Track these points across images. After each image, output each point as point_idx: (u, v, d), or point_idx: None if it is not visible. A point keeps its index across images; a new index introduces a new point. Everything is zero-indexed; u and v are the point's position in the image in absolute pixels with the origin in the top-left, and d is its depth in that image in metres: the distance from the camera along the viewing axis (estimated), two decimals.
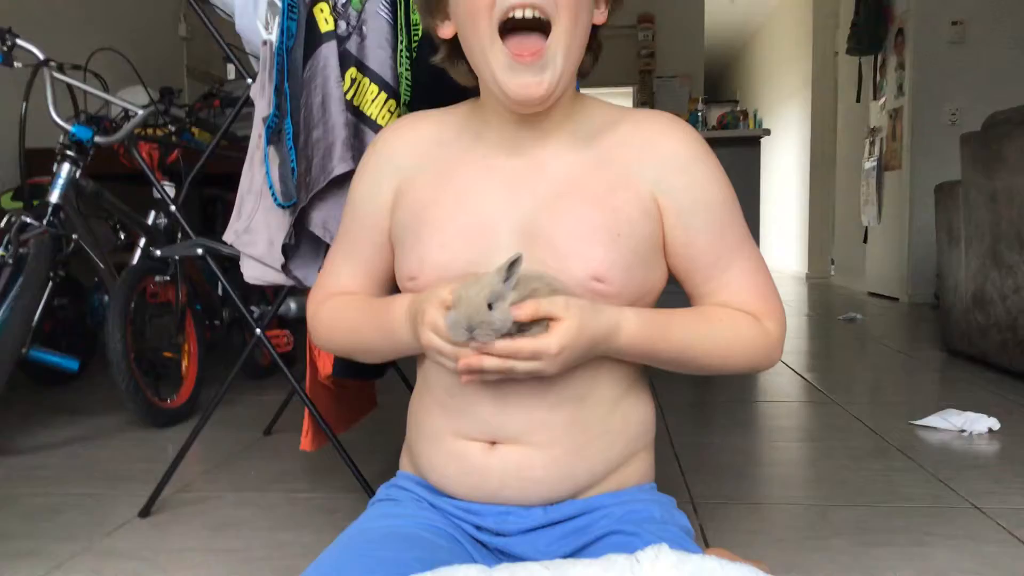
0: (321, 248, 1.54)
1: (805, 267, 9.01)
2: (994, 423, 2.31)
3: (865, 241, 6.73)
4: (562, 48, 0.95)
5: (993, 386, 2.94)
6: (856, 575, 1.39)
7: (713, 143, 4.79)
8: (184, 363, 2.74)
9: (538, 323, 0.89)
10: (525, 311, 0.87)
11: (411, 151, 1.09)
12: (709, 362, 1.02)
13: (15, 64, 2.29)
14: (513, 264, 0.88)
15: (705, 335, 1.01)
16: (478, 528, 1.03)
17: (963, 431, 2.29)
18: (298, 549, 1.54)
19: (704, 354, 1.01)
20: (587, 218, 0.97)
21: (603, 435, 1.01)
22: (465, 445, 1.00)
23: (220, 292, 3.06)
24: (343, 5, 1.49)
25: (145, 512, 1.75)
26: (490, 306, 0.86)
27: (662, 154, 1.01)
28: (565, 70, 0.96)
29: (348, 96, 1.47)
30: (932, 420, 2.37)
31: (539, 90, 0.95)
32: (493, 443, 0.99)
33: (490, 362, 0.88)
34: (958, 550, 1.48)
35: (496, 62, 0.95)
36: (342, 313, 1.11)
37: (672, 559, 0.73)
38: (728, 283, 1.03)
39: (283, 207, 1.51)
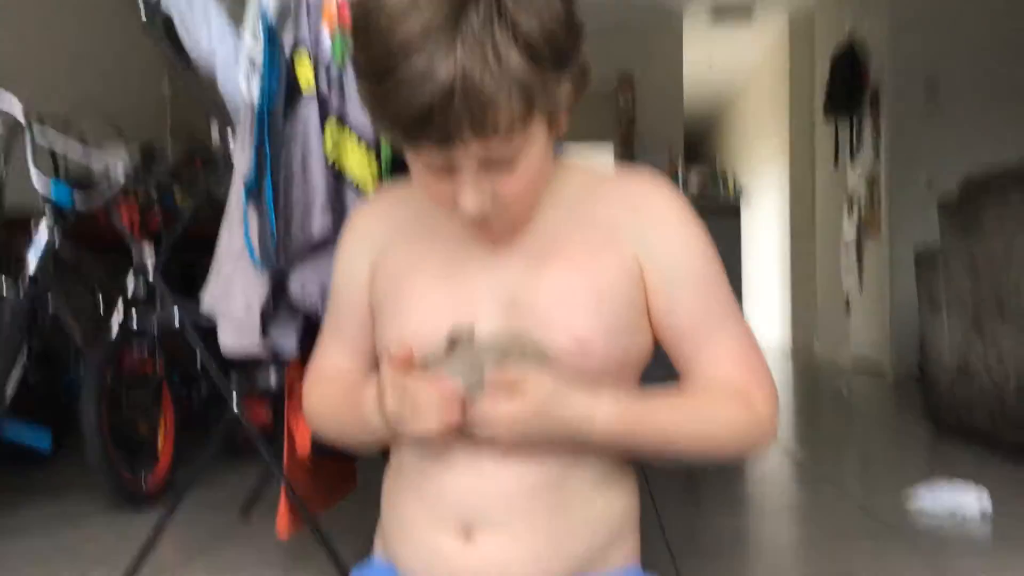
0: (299, 315, 1.51)
1: (789, 339, 9.01)
2: (987, 506, 2.23)
3: (848, 312, 6.75)
4: (521, 219, 0.97)
5: (983, 461, 2.91)
6: None
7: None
8: (160, 438, 2.67)
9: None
10: (499, 381, 0.87)
11: (386, 225, 1.08)
12: (694, 450, 0.99)
13: None
14: (455, 340, 0.88)
15: (689, 422, 0.97)
16: None
17: (954, 514, 2.23)
18: None
19: (688, 442, 0.98)
20: (569, 282, 0.95)
21: (586, 519, 0.97)
22: (438, 538, 0.95)
23: (199, 364, 3.00)
24: (324, 62, 1.49)
25: None
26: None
27: (646, 216, 0.99)
28: (526, 218, 0.98)
29: (330, 158, 1.46)
30: (923, 498, 2.31)
31: (493, 239, 0.97)
32: (468, 534, 0.94)
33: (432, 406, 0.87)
34: None
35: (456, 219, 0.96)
36: (326, 399, 1.09)
37: None
38: (716, 356, 1.00)
39: (262, 270, 1.48)
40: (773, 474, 2.80)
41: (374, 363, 1.11)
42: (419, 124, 0.82)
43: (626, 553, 1.02)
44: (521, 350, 0.90)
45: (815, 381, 5.59)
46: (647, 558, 1.05)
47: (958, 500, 2.27)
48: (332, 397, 1.08)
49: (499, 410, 0.87)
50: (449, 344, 0.89)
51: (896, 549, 1.95)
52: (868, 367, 6.26)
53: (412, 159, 0.91)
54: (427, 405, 0.87)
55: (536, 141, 0.89)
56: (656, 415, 0.96)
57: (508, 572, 0.94)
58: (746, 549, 1.99)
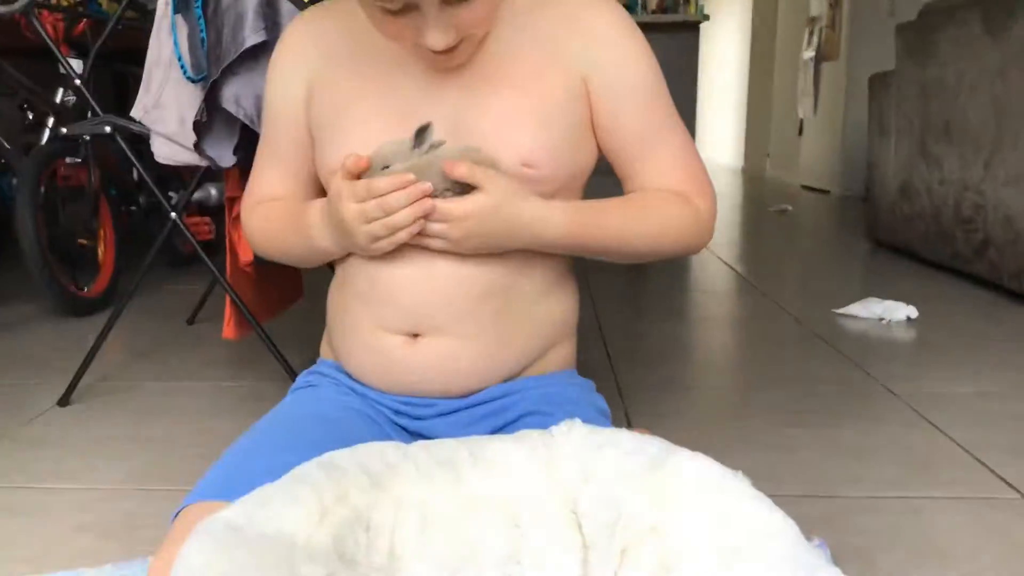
0: (235, 125, 1.47)
1: (741, 160, 9.07)
2: (912, 311, 2.38)
3: (800, 134, 6.77)
4: (480, 40, 0.95)
5: (916, 275, 3.03)
6: (771, 454, 1.43)
7: (652, 28, 4.69)
8: (100, 250, 2.65)
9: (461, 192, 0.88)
10: (459, 169, 0.87)
11: (323, 46, 1.04)
12: (642, 248, 1.02)
13: None
14: (422, 131, 0.87)
15: (636, 222, 1.00)
16: (396, 413, 1.02)
17: (882, 319, 2.36)
18: (222, 436, 1.52)
19: (636, 241, 1.00)
20: (514, 104, 0.95)
21: (528, 325, 1.00)
22: (386, 338, 0.98)
23: (135, 177, 2.93)
24: None
25: (64, 401, 1.70)
26: (386, 167, 0.86)
27: (589, 32, 0.99)
28: (483, 37, 0.96)
29: None
30: (853, 308, 2.43)
31: (457, 63, 0.95)
32: (415, 336, 0.97)
33: (401, 199, 0.87)
34: (868, 431, 1.54)
35: (412, 53, 0.94)
36: (268, 223, 1.09)
37: (583, 431, 0.73)
38: (657, 162, 1.02)
39: (193, 81, 1.43)
40: (713, 287, 2.88)
41: (312, 186, 1.10)
42: None
43: (564, 357, 1.08)
44: (474, 159, 0.89)
45: (763, 201, 5.67)
46: (589, 364, 1.10)
47: (886, 307, 2.38)
48: (274, 221, 1.07)
49: (460, 206, 0.88)
50: (415, 138, 0.88)
51: (825, 353, 2.04)
52: (816, 188, 6.37)
53: (367, 2, 0.86)
54: (396, 201, 0.87)
55: None
56: (606, 217, 0.98)
57: (451, 366, 0.97)
58: (681, 354, 2.07)
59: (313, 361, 1.14)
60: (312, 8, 1.09)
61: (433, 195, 0.88)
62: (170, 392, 1.79)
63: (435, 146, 0.89)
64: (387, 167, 0.89)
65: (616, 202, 1.00)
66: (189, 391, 1.79)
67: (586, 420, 0.78)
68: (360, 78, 1.00)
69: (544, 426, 0.81)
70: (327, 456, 0.75)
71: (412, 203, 0.87)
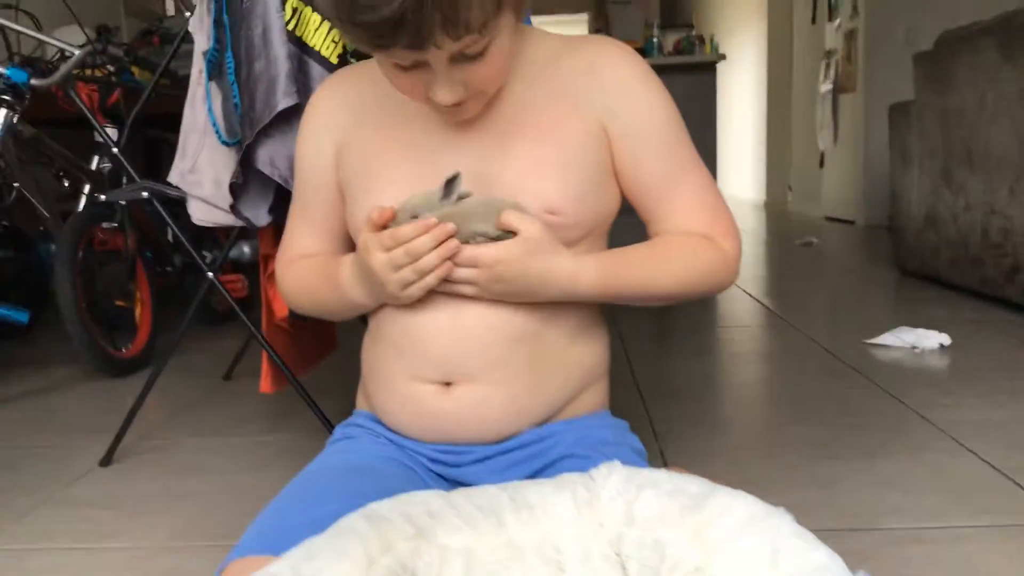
0: (270, 186, 1.51)
1: (763, 194, 9.06)
2: (945, 339, 2.36)
3: (821, 166, 6.77)
4: (491, 95, 0.96)
5: (945, 303, 3.00)
6: (809, 489, 1.42)
7: (669, 69, 4.75)
8: (137, 311, 2.70)
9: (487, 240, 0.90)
10: (509, 219, 0.90)
11: (350, 107, 1.07)
12: (670, 293, 1.02)
13: None
14: (451, 182, 0.89)
15: (664, 268, 1.01)
16: (432, 461, 1.03)
17: (915, 348, 2.34)
18: (261, 491, 1.54)
19: (665, 287, 1.01)
20: (536, 153, 0.97)
21: (560, 370, 1.01)
22: (419, 387, 0.99)
23: (171, 238, 3.00)
24: None
25: (106, 461, 1.73)
26: (415, 218, 0.88)
27: (606, 79, 1.01)
28: (494, 93, 0.97)
29: (290, 27, 1.43)
30: (885, 339, 2.42)
31: (466, 118, 0.97)
32: (448, 384, 0.98)
33: (427, 243, 0.90)
34: (908, 461, 1.53)
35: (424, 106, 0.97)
36: (302, 280, 1.11)
37: (624, 473, 0.73)
38: (680, 205, 1.03)
39: (228, 145, 1.47)
40: (742, 322, 2.87)
41: (344, 243, 1.13)
42: (390, 32, 0.80)
43: (597, 399, 1.08)
44: (502, 207, 0.91)
45: (787, 234, 5.66)
46: (620, 403, 1.11)
47: (918, 335, 2.36)
48: (306, 278, 1.11)
49: (489, 251, 0.90)
50: (444, 188, 0.90)
51: (859, 384, 2.03)
52: (840, 219, 6.35)
53: (381, 60, 0.90)
54: (423, 245, 0.89)
55: (505, 27, 0.88)
56: (634, 267, 1.00)
57: (484, 413, 0.98)
58: (713, 390, 2.07)
59: (349, 412, 1.15)
60: (339, 72, 1.13)
61: (464, 242, 0.90)
62: (209, 448, 1.81)
63: (463, 196, 0.91)
64: (415, 217, 0.91)
65: (642, 250, 1.02)
66: (228, 447, 1.81)
67: (623, 461, 0.78)
68: (386, 135, 1.03)
69: (581, 469, 0.81)
70: (371, 507, 0.76)
71: (438, 246, 0.89)
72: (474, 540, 0.73)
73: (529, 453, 1.02)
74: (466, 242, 0.90)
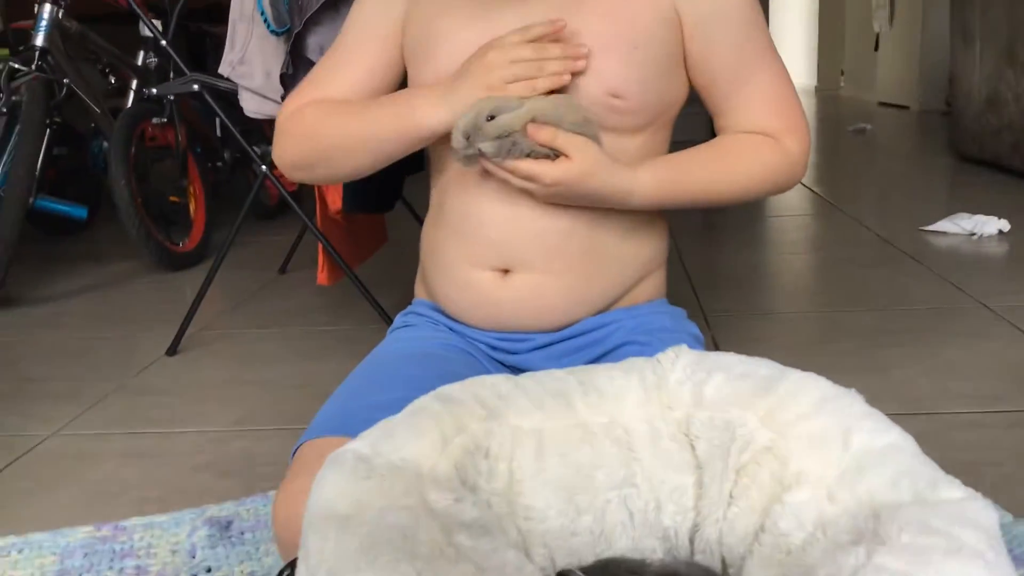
0: None
1: (814, 79, 8.77)
2: (1004, 225, 2.31)
3: (876, 48, 6.51)
4: None
5: (1004, 188, 2.92)
6: (865, 376, 1.43)
7: None
8: (192, 207, 2.74)
9: (548, 152, 0.88)
10: (542, 135, 0.87)
11: None
12: (731, 196, 1.01)
13: None
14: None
15: (724, 172, 0.99)
16: (492, 348, 1.05)
17: (973, 234, 2.29)
18: (324, 377, 1.59)
19: (725, 191, 1.00)
20: (602, 31, 0.93)
21: (617, 260, 1.01)
22: (478, 275, 1.00)
23: (219, 132, 3.01)
24: None
25: (172, 350, 1.79)
26: (491, 118, 0.85)
27: None
28: None
29: None
30: (942, 225, 2.37)
31: None
32: (506, 271, 0.99)
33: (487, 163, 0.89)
34: (967, 347, 1.52)
35: None
36: (333, 114, 1.02)
37: (692, 357, 0.74)
38: (748, 99, 1.00)
39: (277, 34, 1.45)
40: (792, 211, 2.83)
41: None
42: None
43: (655, 288, 1.08)
44: (580, 129, 0.89)
45: (839, 120, 5.50)
46: (672, 294, 1.10)
47: (976, 222, 2.31)
48: (336, 114, 1.02)
49: (550, 172, 0.88)
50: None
51: (915, 271, 2.00)
52: (895, 104, 6.14)
53: None
54: (553, 50, 0.89)
55: None
56: (693, 173, 0.98)
57: (541, 302, 0.99)
58: (763, 279, 2.06)
59: (404, 304, 1.17)
60: None
61: (525, 154, 0.88)
62: (270, 338, 1.86)
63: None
64: (492, 117, 0.88)
65: (702, 153, 0.99)
66: (288, 336, 1.86)
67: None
68: (451, 5, 1.00)
69: (642, 355, 0.82)
70: (442, 389, 0.78)
71: (567, 57, 0.89)
72: (544, 421, 0.74)
73: (589, 340, 1.03)
74: (528, 155, 0.88)
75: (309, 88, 1.06)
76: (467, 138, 0.87)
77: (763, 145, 1.00)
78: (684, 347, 0.77)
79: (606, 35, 0.93)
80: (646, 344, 0.99)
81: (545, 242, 0.97)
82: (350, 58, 1.06)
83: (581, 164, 0.89)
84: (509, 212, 0.96)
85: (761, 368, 0.72)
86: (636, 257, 1.03)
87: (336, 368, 1.62)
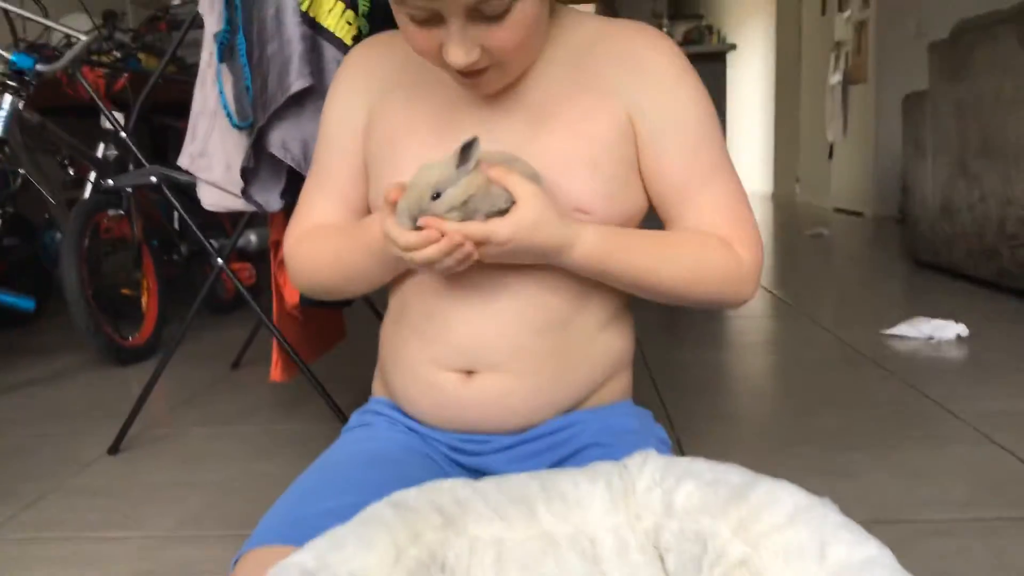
0: (282, 170, 1.48)
1: (771, 185, 9.03)
2: (963, 329, 2.33)
3: (831, 157, 6.73)
4: (513, 71, 0.93)
5: (960, 294, 2.97)
6: (833, 480, 1.40)
7: None
8: (144, 300, 2.68)
9: (500, 210, 0.85)
10: (496, 172, 0.85)
11: (382, 72, 1.04)
12: (674, 287, 0.97)
13: None
14: (467, 148, 0.83)
15: (670, 260, 0.95)
16: (452, 449, 1.01)
17: (931, 338, 2.31)
18: (273, 479, 1.52)
19: (668, 278, 0.96)
20: (565, 150, 0.93)
21: (587, 359, 0.98)
22: (442, 376, 0.96)
23: (177, 226, 2.97)
24: None
25: (114, 449, 1.71)
26: (437, 195, 0.82)
27: (641, 71, 0.97)
28: (519, 70, 0.94)
29: (303, 7, 1.39)
30: (901, 328, 2.39)
31: (491, 91, 0.94)
32: (470, 373, 0.95)
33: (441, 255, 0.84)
34: (933, 451, 1.50)
35: (444, 72, 0.93)
36: (324, 243, 1.04)
37: (660, 463, 0.71)
38: (699, 209, 0.98)
39: (239, 128, 1.44)
40: (752, 313, 2.85)
41: (363, 217, 1.08)
42: None
43: (621, 388, 1.05)
44: (520, 162, 0.88)
45: (796, 225, 5.63)
46: (635, 394, 1.08)
47: (935, 326, 2.34)
48: (330, 239, 1.04)
49: (502, 229, 0.84)
50: (460, 154, 0.84)
51: (876, 375, 2.00)
52: (849, 210, 6.31)
53: (396, 9, 0.87)
54: (436, 254, 0.84)
55: None
56: (636, 247, 0.94)
57: (507, 403, 0.95)
58: (727, 380, 2.04)
59: (361, 402, 1.12)
60: (371, 38, 1.09)
61: (484, 215, 0.85)
62: (218, 437, 1.79)
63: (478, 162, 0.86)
64: (438, 195, 0.85)
65: (653, 235, 0.97)
66: (237, 435, 1.79)
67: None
68: (414, 112, 0.99)
69: (606, 458, 0.78)
70: (396, 495, 0.74)
71: (453, 254, 0.85)
72: (505, 531, 0.70)
73: (552, 442, 0.99)
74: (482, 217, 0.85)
75: (306, 211, 1.07)
76: (414, 220, 0.84)
77: (717, 246, 0.97)
78: (652, 452, 0.73)
79: (569, 153, 0.93)
80: (611, 447, 0.95)
81: (513, 342, 0.93)
82: (325, 180, 1.07)
83: (532, 212, 0.85)
84: (476, 311, 0.93)
85: (732, 475, 0.68)
86: (605, 355, 1.00)
87: (287, 469, 1.56)
